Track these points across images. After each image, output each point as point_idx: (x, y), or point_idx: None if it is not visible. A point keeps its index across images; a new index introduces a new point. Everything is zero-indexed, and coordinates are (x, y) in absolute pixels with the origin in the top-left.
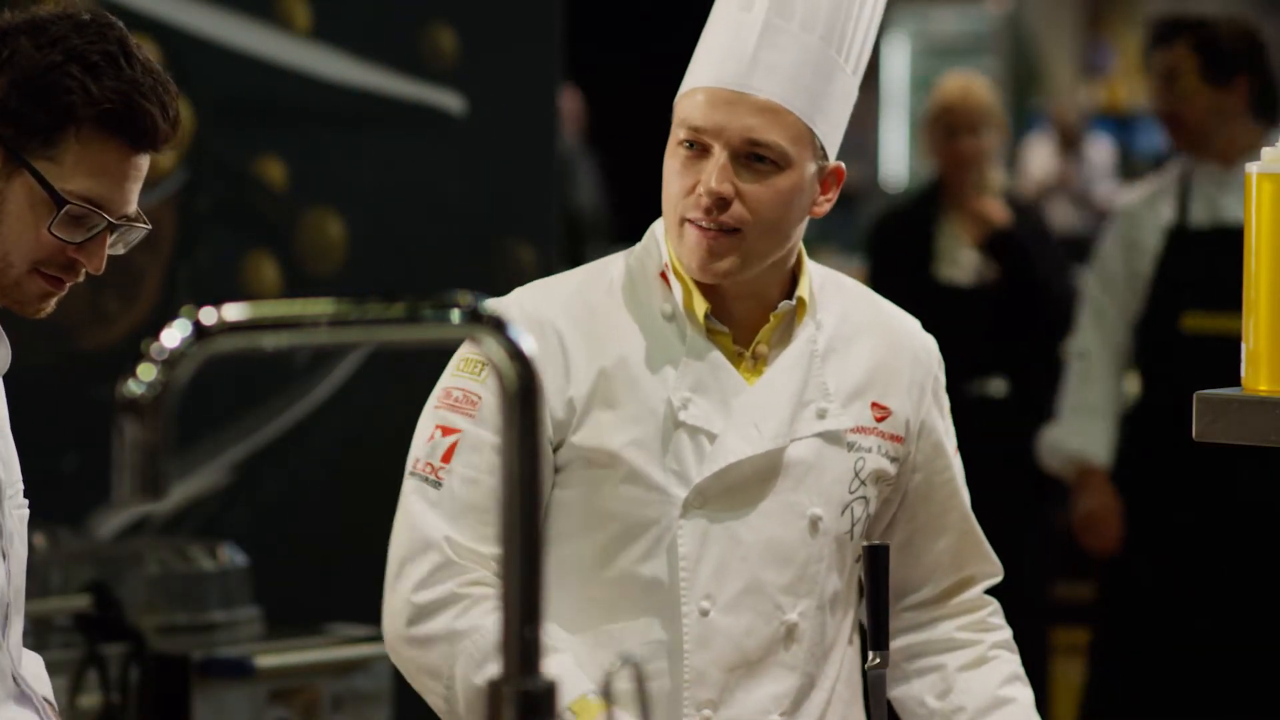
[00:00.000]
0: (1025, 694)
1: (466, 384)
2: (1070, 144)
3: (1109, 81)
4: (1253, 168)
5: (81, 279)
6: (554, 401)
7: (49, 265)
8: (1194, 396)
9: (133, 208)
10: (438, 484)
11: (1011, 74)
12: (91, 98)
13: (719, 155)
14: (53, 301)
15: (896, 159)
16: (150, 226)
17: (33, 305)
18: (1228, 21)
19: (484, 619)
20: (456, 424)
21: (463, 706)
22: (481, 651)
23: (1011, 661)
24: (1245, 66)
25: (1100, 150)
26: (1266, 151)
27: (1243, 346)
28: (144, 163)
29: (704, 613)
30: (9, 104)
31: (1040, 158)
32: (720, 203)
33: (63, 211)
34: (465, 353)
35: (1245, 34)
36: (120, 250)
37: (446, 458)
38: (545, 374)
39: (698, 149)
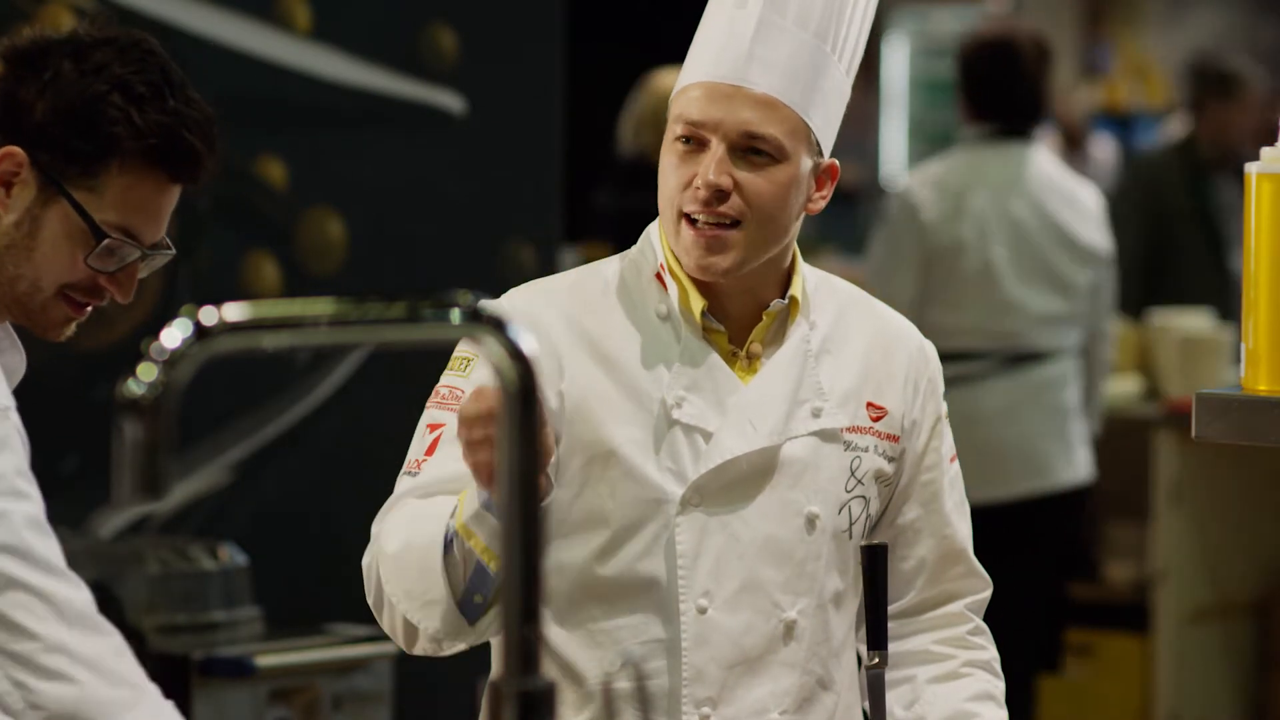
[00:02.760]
0: (993, 714)
1: (453, 380)
2: (1075, 143)
3: (1109, 81)
4: (1252, 168)
5: (105, 304)
6: (546, 392)
7: (75, 290)
8: (1194, 396)
9: (161, 235)
10: (416, 474)
11: None
12: (136, 130)
13: (716, 148)
14: (73, 326)
15: (896, 159)
16: (175, 252)
17: (55, 329)
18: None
19: (396, 514)
20: (441, 419)
21: (371, 595)
22: (388, 533)
23: (986, 681)
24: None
25: (1104, 149)
26: (1266, 151)
27: (1242, 346)
28: (178, 192)
29: (702, 610)
30: (50, 130)
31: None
32: (718, 194)
33: (102, 245)
34: (456, 350)
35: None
36: (143, 274)
37: (430, 450)
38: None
39: (694, 144)
